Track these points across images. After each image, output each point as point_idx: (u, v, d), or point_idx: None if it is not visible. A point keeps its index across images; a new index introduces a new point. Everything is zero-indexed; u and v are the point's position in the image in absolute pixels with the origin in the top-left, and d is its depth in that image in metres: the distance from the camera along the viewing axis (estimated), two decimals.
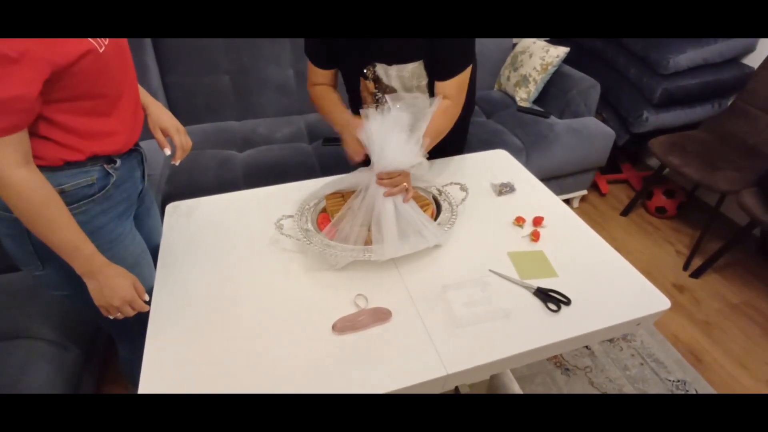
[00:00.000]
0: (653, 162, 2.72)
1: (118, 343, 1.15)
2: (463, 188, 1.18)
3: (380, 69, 1.14)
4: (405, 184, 1.01)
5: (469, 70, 1.13)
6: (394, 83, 1.18)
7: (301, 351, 0.83)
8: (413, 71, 1.14)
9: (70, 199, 0.84)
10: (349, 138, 1.09)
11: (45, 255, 0.87)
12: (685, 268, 2.09)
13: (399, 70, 1.13)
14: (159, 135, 1.01)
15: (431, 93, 1.22)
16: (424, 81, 1.18)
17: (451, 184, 1.20)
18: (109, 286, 0.85)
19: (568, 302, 0.92)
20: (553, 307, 0.91)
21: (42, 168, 0.78)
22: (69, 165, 0.83)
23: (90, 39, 0.74)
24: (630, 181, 2.65)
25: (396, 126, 0.99)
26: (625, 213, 2.43)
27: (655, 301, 0.94)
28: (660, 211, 2.37)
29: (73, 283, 0.92)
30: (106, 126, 0.85)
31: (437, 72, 1.13)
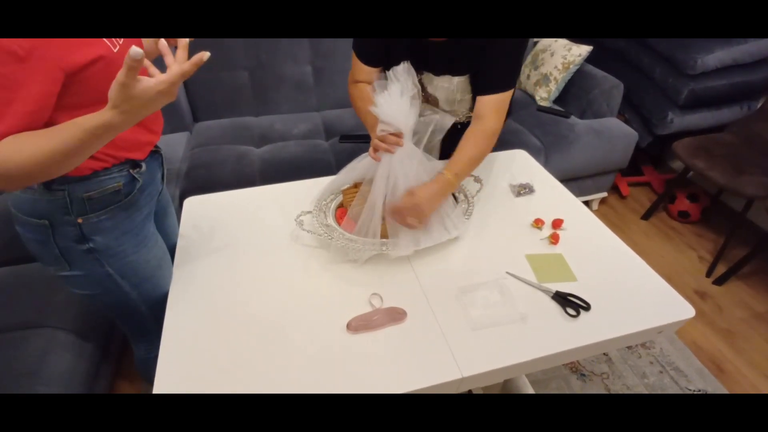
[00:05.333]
0: (676, 165, 2.65)
1: (134, 344, 1.15)
2: (477, 180, 1.17)
3: (426, 78, 1.14)
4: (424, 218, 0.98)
5: (509, 94, 1.09)
6: (438, 94, 1.17)
7: (316, 350, 0.83)
8: (459, 84, 1.14)
9: (98, 205, 0.85)
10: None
11: (71, 257, 0.88)
12: (708, 274, 2.03)
13: (445, 81, 1.13)
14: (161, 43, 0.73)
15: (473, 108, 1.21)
16: (468, 96, 1.18)
17: None
18: (144, 105, 0.66)
19: (587, 307, 0.89)
20: (571, 311, 0.89)
21: (70, 177, 0.79)
22: (96, 173, 0.83)
23: (105, 41, 0.74)
24: (652, 184, 2.58)
25: (403, 92, 0.97)
26: (646, 217, 2.37)
27: (678, 308, 0.91)
28: (683, 216, 2.30)
29: (97, 284, 0.93)
30: (128, 133, 0.85)
31: (483, 84, 1.09)
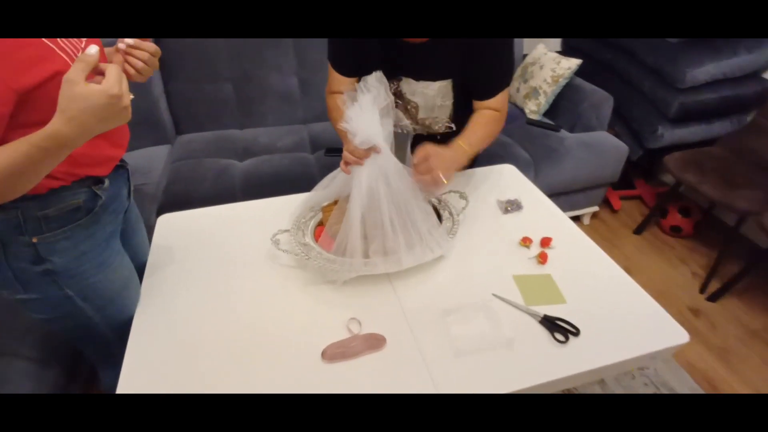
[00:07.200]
0: (668, 178, 2.64)
1: (101, 371, 1.08)
2: (463, 196, 1.12)
3: (405, 84, 1.11)
4: (437, 172, 0.95)
5: (507, 90, 1.10)
6: (417, 99, 1.14)
7: (288, 382, 0.77)
8: (440, 89, 1.10)
9: (55, 224, 0.79)
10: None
11: (25, 279, 0.82)
12: (702, 290, 1.99)
13: (425, 87, 1.10)
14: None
15: (456, 112, 1.17)
16: (449, 101, 1.14)
17: (449, 192, 1.14)
18: (93, 112, 0.61)
19: (576, 332, 0.85)
20: (560, 337, 0.84)
21: (24, 195, 0.72)
22: (53, 190, 0.77)
23: (62, 55, 0.69)
24: (643, 198, 2.56)
25: (374, 103, 0.94)
26: (638, 231, 2.34)
27: (671, 333, 0.86)
28: (675, 230, 2.27)
29: (55, 308, 0.87)
30: (88, 147, 0.79)
31: (479, 92, 1.09)
